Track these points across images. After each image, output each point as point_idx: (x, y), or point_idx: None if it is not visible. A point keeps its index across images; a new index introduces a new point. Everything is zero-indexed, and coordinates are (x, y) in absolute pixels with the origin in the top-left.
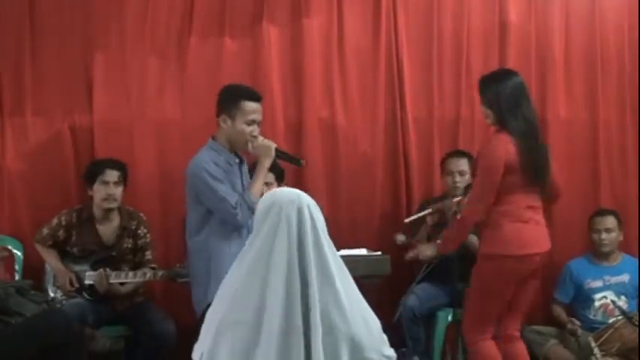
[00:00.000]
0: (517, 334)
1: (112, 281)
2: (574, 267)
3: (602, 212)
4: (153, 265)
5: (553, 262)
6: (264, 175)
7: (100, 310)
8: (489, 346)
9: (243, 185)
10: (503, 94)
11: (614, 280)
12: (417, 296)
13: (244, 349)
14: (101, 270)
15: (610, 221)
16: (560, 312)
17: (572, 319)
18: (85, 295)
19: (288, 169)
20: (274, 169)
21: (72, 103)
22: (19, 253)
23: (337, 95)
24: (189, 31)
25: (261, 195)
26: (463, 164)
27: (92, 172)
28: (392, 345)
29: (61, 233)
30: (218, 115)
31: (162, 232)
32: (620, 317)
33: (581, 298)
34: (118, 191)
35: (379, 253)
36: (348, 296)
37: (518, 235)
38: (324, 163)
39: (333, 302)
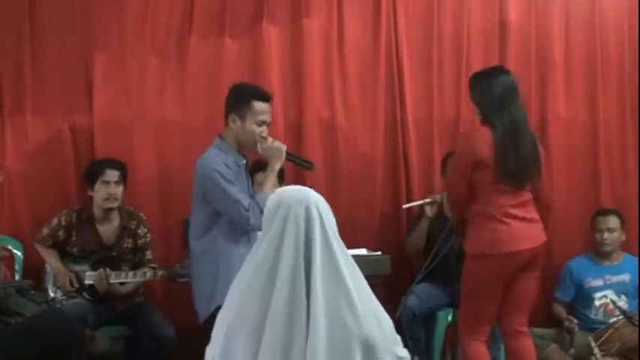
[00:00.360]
0: (523, 329)
1: (112, 281)
2: (574, 266)
3: (605, 212)
4: (153, 265)
5: (553, 262)
6: (274, 177)
7: (100, 310)
8: (478, 348)
9: (248, 187)
10: (490, 92)
11: (615, 279)
12: (417, 296)
13: (252, 351)
14: (101, 270)
15: (613, 221)
16: (560, 310)
17: (570, 317)
18: (85, 295)
19: (288, 168)
20: (258, 167)
21: (72, 103)
22: (19, 253)
23: (337, 95)
24: (189, 31)
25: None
26: None
27: (92, 172)
28: None
29: (61, 233)
30: (227, 114)
31: (162, 232)
32: (620, 317)
33: (582, 297)
34: (119, 191)
35: (379, 253)
36: (359, 295)
37: (498, 234)
38: (324, 164)
39: (344, 302)
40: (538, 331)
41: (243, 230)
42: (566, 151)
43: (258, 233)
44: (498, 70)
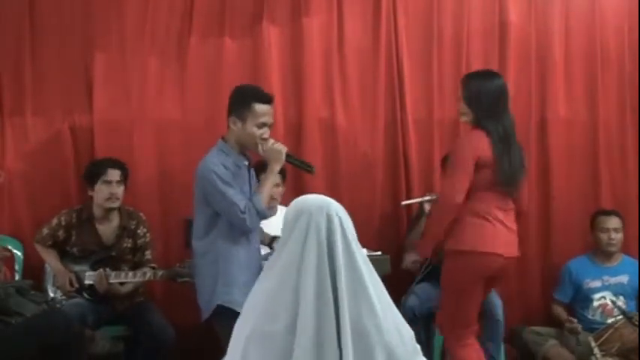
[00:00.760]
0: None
1: (111, 281)
2: (573, 267)
3: (608, 212)
4: (153, 265)
5: (553, 262)
6: (273, 179)
7: (99, 310)
8: (469, 354)
9: (250, 188)
10: (485, 94)
11: (613, 280)
12: (417, 296)
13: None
14: (101, 270)
15: (616, 221)
16: (560, 312)
17: (571, 318)
18: (85, 295)
19: (288, 169)
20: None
21: (72, 103)
22: (19, 253)
23: (337, 95)
24: (189, 31)
25: (272, 198)
26: None
27: (93, 172)
28: None
29: (60, 233)
30: (228, 116)
31: (163, 232)
32: (620, 317)
33: (580, 298)
34: (120, 190)
35: (379, 253)
36: (381, 305)
37: (481, 232)
38: (324, 164)
39: (367, 311)
40: (537, 328)
41: (242, 231)
42: (566, 151)
43: (270, 240)
44: (493, 73)
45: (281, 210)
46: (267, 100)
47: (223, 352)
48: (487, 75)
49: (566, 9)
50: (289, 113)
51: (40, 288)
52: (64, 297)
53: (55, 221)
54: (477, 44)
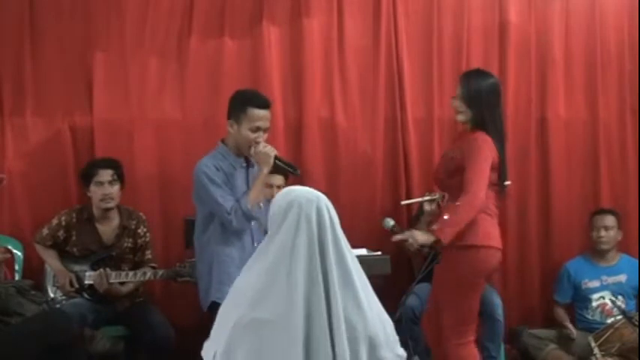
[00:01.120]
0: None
1: (112, 281)
2: (572, 267)
3: (602, 211)
4: (153, 265)
5: (552, 261)
6: (262, 181)
7: (100, 310)
8: (469, 352)
9: (249, 189)
10: (485, 93)
11: (612, 280)
12: (417, 296)
13: (270, 348)
14: (101, 270)
15: (609, 219)
16: (561, 315)
17: (568, 324)
18: (85, 295)
19: None
20: (281, 170)
21: (72, 103)
22: (19, 253)
23: (337, 95)
24: (189, 31)
25: (271, 196)
26: None
27: (86, 173)
28: None
29: (60, 233)
30: (227, 119)
31: (163, 232)
32: (619, 317)
33: (579, 298)
34: (114, 190)
35: (379, 253)
36: (366, 296)
37: (493, 228)
38: (324, 163)
39: (352, 302)
40: (537, 332)
41: (233, 231)
42: (566, 151)
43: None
44: (488, 72)
45: None
46: (263, 105)
47: None
48: (484, 74)
49: (566, 9)
50: (289, 113)
51: (40, 288)
52: (64, 297)
53: (55, 221)
54: (477, 44)
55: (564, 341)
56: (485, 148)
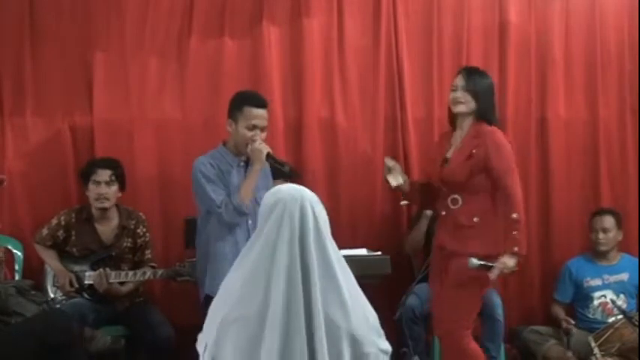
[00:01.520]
0: None
1: (111, 281)
2: (573, 266)
3: (601, 212)
4: (153, 264)
5: (552, 261)
6: (254, 177)
7: (100, 310)
8: (476, 344)
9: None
10: (490, 88)
11: (613, 278)
12: (417, 296)
13: (248, 344)
14: (101, 270)
15: (608, 221)
16: (558, 311)
17: (567, 318)
18: (85, 295)
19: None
20: (279, 173)
21: (72, 103)
22: (19, 253)
23: (337, 95)
24: (189, 31)
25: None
26: None
27: (85, 172)
28: (392, 345)
29: (60, 233)
30: (227, 119)
31: (162, 232)
32: (620, 317)
33: (580, 297)
34: (111, 191)
35: (379, 253)
36: (349, 292)
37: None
38: (324, 163)
39: (335, 298)
40: (537, 327)
41: (228, 227)
42: (566, 151)
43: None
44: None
45: None
46: (259, 103)
47: None
48: (485, 72)
49: (566, 9)
50: (289, 113)
51: (40, 288)
52: (64, 297)
53: (54, 221)
54: (477, 44)
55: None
56: (509, 148)
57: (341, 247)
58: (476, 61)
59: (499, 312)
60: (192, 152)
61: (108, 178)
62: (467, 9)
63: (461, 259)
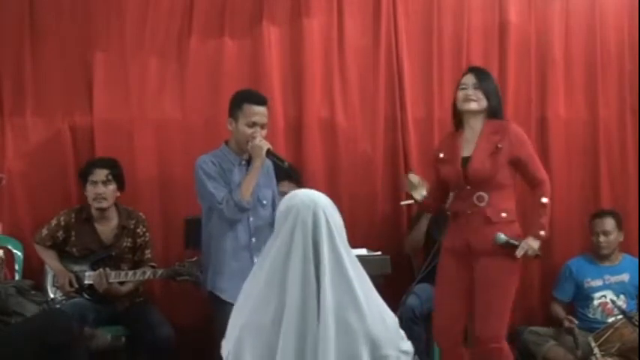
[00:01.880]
0: None
1: (111, 281)
2: (574, 266)
3: (601, 214)
4: (152, 264)
5: (552, 261)
6: (255, 174)
7: (99, 310)
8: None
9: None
10: (497, 89)
11: (614, 279)
12: (417, 296)
13: (266, 352)
14: (100, 270)
15: (608, 223)
16: (558, 310)
17: (569, 317)
18: (85, 295)
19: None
20: (284, 174)
21: (72, 103)
22: (19, 253)
23: (337, 95)
24: (189, 31)
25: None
26: None
27: (83, 172)
28: None
29: (60, 234)
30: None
31: (163, 232)
32: (620, 317)
33: (581, 297)
34: (108, 190)
35: (379, 253)
36: (365, 296)
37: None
38: (324, 163)
39: (350, 303)
40: (537, 328)
41: (229, 224)
42: (566, 151)
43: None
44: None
45: None
46: (258, 101)
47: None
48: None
49: (566, 9)
50: (289, 113)
51: (40, 288)
52: (64, 297)
53: (54, 222)
54: (477, 44)
55: (563, 338)
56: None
57: None
58: (476, 61)
59: None
60: (192, 152)
61: (105, 178)
62: (467, 9)
63: (493, 258)
